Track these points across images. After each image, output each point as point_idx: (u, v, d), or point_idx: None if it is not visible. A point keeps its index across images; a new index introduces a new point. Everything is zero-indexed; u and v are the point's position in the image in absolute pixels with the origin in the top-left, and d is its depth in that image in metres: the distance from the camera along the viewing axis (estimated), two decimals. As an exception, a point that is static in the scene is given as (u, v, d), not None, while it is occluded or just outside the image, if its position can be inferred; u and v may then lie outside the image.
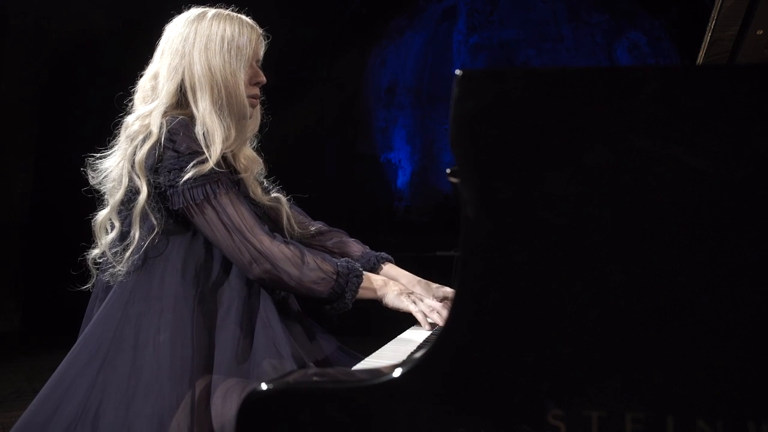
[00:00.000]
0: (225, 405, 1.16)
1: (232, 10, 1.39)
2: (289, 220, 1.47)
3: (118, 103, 1.39)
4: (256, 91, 1.39)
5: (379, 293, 1.34)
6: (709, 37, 1.31)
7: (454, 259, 1.57)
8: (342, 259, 1.32)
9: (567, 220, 0.69)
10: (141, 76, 1.38)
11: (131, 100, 1.38)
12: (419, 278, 1.55)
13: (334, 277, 1.26)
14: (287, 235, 1.46)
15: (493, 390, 0.69)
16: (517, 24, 6.77)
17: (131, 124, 1.30)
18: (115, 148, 1.34)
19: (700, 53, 1.39)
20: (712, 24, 1.26)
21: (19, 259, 5.74)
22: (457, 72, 0.71)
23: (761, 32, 1.22)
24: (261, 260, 1.22)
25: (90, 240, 1.36)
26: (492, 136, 0.70)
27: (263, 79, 1.39)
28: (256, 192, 1.38)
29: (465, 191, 0.70)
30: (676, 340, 0.66)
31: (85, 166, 1.35)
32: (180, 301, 1.23)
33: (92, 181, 1.34)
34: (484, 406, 0.69)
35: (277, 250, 1.24)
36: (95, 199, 1.37)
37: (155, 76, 1.34)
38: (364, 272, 1.33)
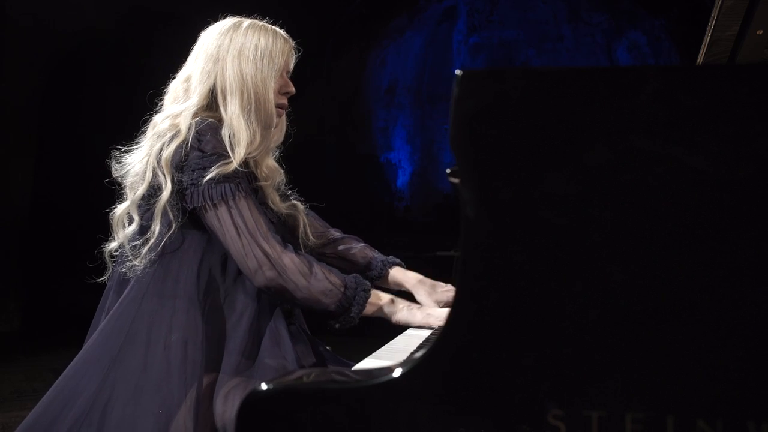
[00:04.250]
0: (227, 405, 1.16)
1: (267, 22, 1.42)
2: (305, 228, 1.48)
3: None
4: (284, 100, 1.42)
5: (387, 311, 1.33)
6: (709, 37, 1.31)
7: (454, 259, 1.57)
8: (351, 274, 1.31)
9: (567, 220, 0.69)
10: (173, 77, 1.41)
11: (161, 99, 1.40)
12: (423, 279, 1.55)
13: (342, 290, 1.26)
14: (302, 244, 1.47)
15: (493, 390, 0.69)
16: (517, 24, 6.77)
17: (160, 122, 1.32)
18: (141, 143, 1.35)
19: (700, 53, 1.39)
20: (712, 24, 1.26)
21: (19, 259, 5.74)
22: (457, 72, 0.71)
23: (761, 32, 1.22)
24: (267, 267, 1.22)
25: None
26: (492, 136, 0.70)
27: (292, 89, 1.42)
28: (275, 200, 1.40)
29: (465, 191, 0.70)
30: (676, 340, 0.66)
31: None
32: (194, 304, 1.24)
33: (115, 174, 1.35)
34: (484, 406, 0.69)
35: (287, 258, 1.24)
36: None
37: (188, 79, 1.37)
38: (373, 289, 1.32)
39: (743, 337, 0.65)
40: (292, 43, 1.42)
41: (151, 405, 1.15)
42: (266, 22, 1.42)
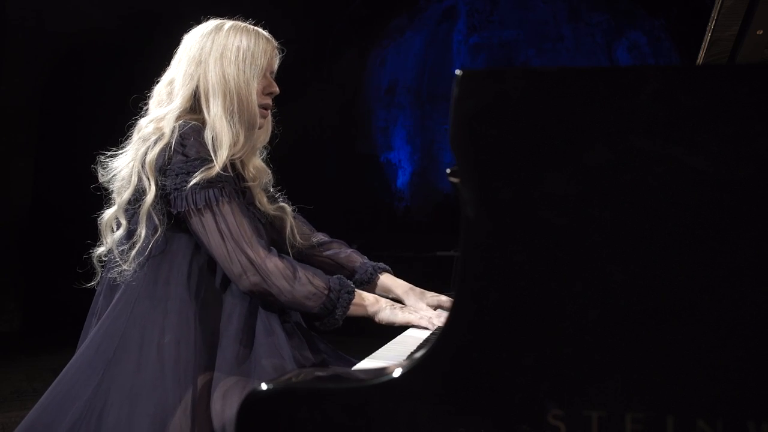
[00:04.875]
0: (225, 404, 1.16)
1: (249, 23, 1.42)
2: (292, 230, 1.48)
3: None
4: (269, 101, 1.42)
5: (371, 310, 1.35)
6: (709, 37, 1.31)
7: (454, 259, 1.57)
8: (335, 276, 1.32)
9: (567, 220, 0.69)
10: (157, 81, 1.41)
11: (146, 103, 1.41)
12: (413, 286, 1.56)
13: (326, 292, 1.27)
14: (288, 246, 1.47)
15: (493, 390, 0.69)
16: (517, 24, 6.78)
17: (145, 126, 1.33)
18: (127, 148, 1.36)
19: (700, 53, 1.39)
20: (712, 24, 1.26)
21: (19, 259, 5.74)
22: (457, 72, 0.71)
23: (761, 32, 1.22)
24: (251, 272, 1.23)
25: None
26: (492, 136, 0.70)
27: (276, 89, 1.42)
28: (262, 201, 1.40)
29: (465, 191, 0.70)
30: (676, 340, 0.66)
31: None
32: (185, 304, 1.25)
33: (101, 179, 1.36)
34: (484, 406, 0.69)
35: (271, 264, 1.24)
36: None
37: (171, 82, 1.37)
38: (357, 290, 1.33)
39: (743, 337, 0.65)
40: (275, 44, 1.42)
41: (147, 407, 1.15)
42: (249, 23, 1.42)
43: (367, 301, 1.35)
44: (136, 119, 1.38)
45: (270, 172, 1.46)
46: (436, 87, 6.87)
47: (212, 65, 1.33)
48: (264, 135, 1.46)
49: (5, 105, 5.47)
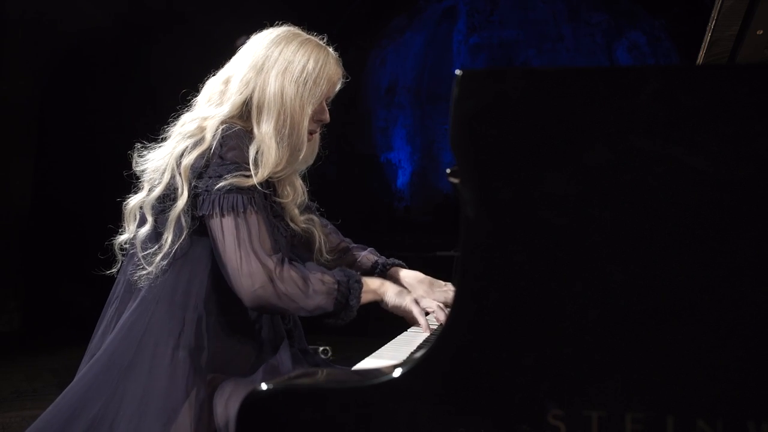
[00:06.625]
0: (229, 405, 1.16)
1: (321, 39, 1.38)
2: (320, 245, 1.46)
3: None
4: (316, 127, 1.39)
5: (379, 292, 1.33)
6: (709, 37, 1.31)
7: (454, 259, 1.57)
8: (337, 269, 1.30)
9: (567, 220, 0.69)
10: (213, 73, 1.37)
11: (195, 95, 1.36)
12: (424, 277, 1.56)
13: (336, 287, 1.25)
14: (314, 259, 1.46)
15: (493, 390, 0.69)
16: (517, 24, 6.77)
17: (188, 122, 1.29)
18: (167, 140, 1.32)
19: (700, 53, 1.39)
20: (712, 24, 1.26)
21: (20, 259, 5.74)
22: (457, 72, 0.71)
23: (761, 32, 1.23)
24: (260, 285, 1.18)
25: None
26: (492, 136, 0.70)
27: (327, 118, 1.39)
28: (294, 216, 1.37)
29: (465, 191, 0.70)
30: (676, 340, 0.66)
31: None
32: (202, 316, 1.23)
33: (135, 167, 1.32)
34: (484, 406, 0.69)
35: (287, 275, 1.20)
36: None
37: (227, 82, 1.32)
38: (363, 277, 1.31)
39: (743, 337, 0.65)
40: (342, 71, 1.38)
41: (154, 425, 1.14)
42: (321, 40, 1.37)
43: (374, 285, 1.33)
44: (182, 108, 1.34)
45: (305, 191, 1.42)
46: (436, 87, 6.86)
47: (273, 78, 1.28)
48: (308, 156, 1.42)
49: (5, 105, 5.46)
